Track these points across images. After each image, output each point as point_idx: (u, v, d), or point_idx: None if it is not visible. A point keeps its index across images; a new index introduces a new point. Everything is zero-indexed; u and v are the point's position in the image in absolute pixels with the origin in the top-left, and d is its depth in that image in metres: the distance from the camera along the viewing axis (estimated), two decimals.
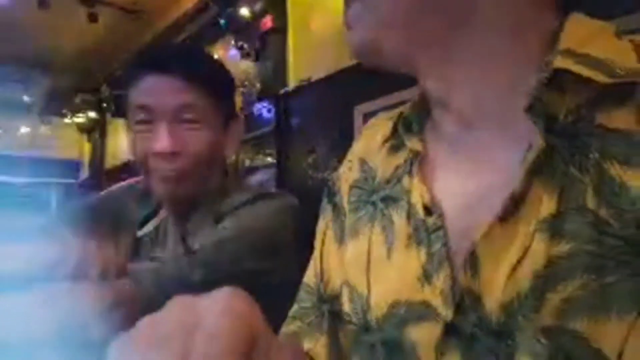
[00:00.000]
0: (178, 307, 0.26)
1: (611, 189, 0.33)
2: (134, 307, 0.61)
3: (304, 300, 0.54)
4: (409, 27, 0.41)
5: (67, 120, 5.37)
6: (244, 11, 2.93)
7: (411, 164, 0.46)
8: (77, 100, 5.13)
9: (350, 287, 0.47)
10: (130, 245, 0.93)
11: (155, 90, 0.81)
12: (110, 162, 5.03)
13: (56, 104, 5.27)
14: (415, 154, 0.46)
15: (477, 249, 0.37)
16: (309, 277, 0.55)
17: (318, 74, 2.46)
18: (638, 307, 0.31)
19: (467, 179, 0.41)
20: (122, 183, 1.05)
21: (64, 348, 0.46)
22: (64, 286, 0.56)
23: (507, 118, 0.40)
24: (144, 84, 0.82)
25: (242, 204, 0.83)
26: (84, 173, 5.66)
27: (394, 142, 0.49)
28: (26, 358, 0.45)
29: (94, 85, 4.93)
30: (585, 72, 0.35)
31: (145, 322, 0.26)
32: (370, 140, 0.53)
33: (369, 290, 0.45)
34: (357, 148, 0.55)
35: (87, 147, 5.67)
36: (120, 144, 4.71)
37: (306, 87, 2.54)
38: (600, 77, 0.34)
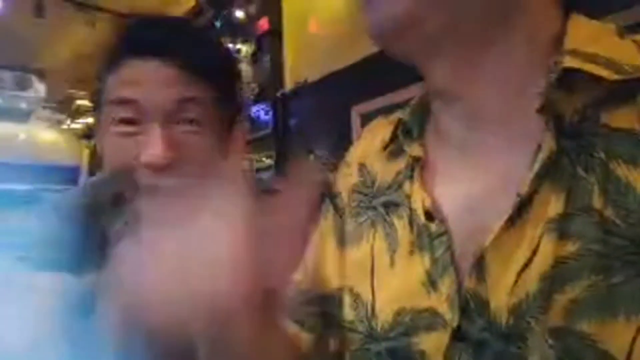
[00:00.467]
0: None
1: (617, 188, 0.33)
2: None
3: None
4: (456, 5, 0.38)
5: (65, 127, 5.37)
6: (240, 14, 2.94)
7: (411, 170, 0.45)
8: (76, 106, 5.14)
9: (353, 295, 0.46)
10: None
11: (143, 79, 0.62)
12: None
13: (54, 111, 5.27)
14: (416, 160, 0.45)
15: (485, 254, 0.36)
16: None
17: (315, 75, 2.47)
18: None
19: (470, 182, 0.41)
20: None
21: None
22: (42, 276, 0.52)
23: (514, 119, 0.39)
24: (127, 71, 0.63)
25: None
26: (84, 179, 5.66)
27: (394, 147, 0.49)
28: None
29: (92, 91, 4.92)
30: (596, 70, 0.34)
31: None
32: (369, 145, 0.53)
33: (373, 298, 0.44)
34: (356, 152, 0.55)
35: (86, 153, 5.67)
36: None
37: (303, 89, 2.55)
38: (612, 75, 0.34)
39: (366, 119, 2.07)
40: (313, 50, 2.53)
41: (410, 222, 0.43)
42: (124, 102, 0.63)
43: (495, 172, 0.40)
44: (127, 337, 0.39)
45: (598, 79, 0.35)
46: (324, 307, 0.50)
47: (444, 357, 0.38)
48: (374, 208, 0.48)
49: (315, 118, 2.50)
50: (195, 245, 0.28)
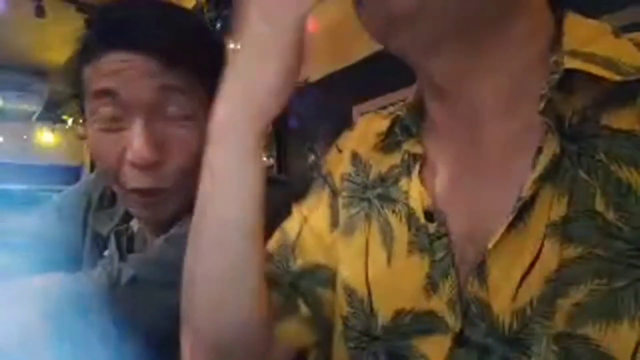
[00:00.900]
0: None
1: (618, 191, 0.33)
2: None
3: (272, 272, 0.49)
4: (454, 3, 0.37)
5: (67, 127, 5.38)
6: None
7: (408, 166, 0.45)
8: (77, 106, 5.14)
9: (348, 290, 0.46)
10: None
11: (121, 70, 0.57)
12: None
13: (56, 111, 5.28)
14: (414, 157, 0.45)
15: (487, 258, 0.36)
16: (273, 247, 0.51)
17: (315, 75, 2.47)
18: None
19: (470, 183, 0.41)
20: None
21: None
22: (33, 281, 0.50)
23: (513, 119, 0.39)
24: (104, 62, 0.58)
25: None
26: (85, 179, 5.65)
27: (389, 141, 0.48)
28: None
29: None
30: (599, 71, 0.34)
31: None
32: (364, 136, 0.52)
33: (369, 295, 0.44)
34: (349, 141, 0.53)
35: (87, 153, 5.67)
36: None
37: (304, 89, 2.55)
38: (614, 75, 0.34)
39: None
40: (313, 49, 2.52)
41: (408, 221, 0.43)
42: (103, 93, 0.58)
43: (495, 173, 0.39)
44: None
45: (597, 79, 0.34)
46: (299, 280, 0.48)
47: None
48: (368, 200, 0.47)
49: (316, 118, 2.50)
50: None
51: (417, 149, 0.45)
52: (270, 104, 0.41)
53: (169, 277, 0.52)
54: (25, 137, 5.82)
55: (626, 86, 0.34)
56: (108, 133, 0.59)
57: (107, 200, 0.76)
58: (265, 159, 2.75)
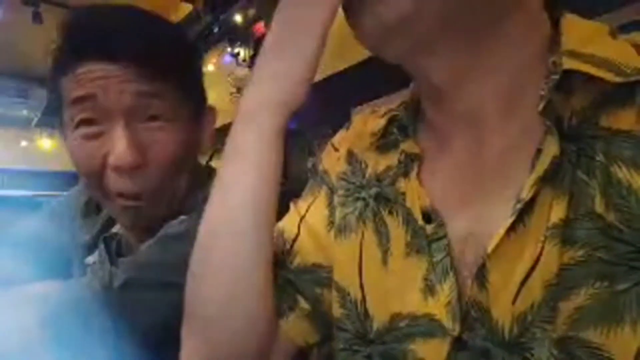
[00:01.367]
0: None
1: (618, 192, 0.32)
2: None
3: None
4: (448, 5, 0.36)
5: None
6: (238, 18, 2.95)
7: (406, 166, 0.44)
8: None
9: (341, 291, 0.45)
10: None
11: (98, 78, 0.58)
12: None
13: (55, 117, 5.28)
14: (412, 157, 0.44)
15: (487, 262, 0.35)
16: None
17: (316, 75, 2.47)
18: None
19: (468, 185, 0.40)
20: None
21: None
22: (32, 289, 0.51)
23: (512, 121, 0.39)
24: (81, 72, 0.58)
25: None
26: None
27: (385, 140, 0.48)
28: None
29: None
30: (599, 72, 0.34)
31: None
32: (359, 134, 0.51)
33: (363, 297, 0.43)
34: (345, 139, 0.53)
35: None
36: None
37: None
38: (613, 77, 0.33)
39: None
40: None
41: (405, 222, 0.42)
42: (81, 100, 0.59)
43: (493, 175, 0.39)
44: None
45: (596, 80, 0.34)
46: (296, 279, 0.48)
47: None
48: (364, 199, 0.47)
49: (316, 119, 2.50)
50: None
51: (415, 149, 0.44)
52: (298, 91, 0.43)
53: (160, 278, 0.54)
54: (24, 143, 5.82)
55: (625, 87, 0.33)
56: (89, 139, 0.60)
57: (92, 207, 0.77)
58: None
